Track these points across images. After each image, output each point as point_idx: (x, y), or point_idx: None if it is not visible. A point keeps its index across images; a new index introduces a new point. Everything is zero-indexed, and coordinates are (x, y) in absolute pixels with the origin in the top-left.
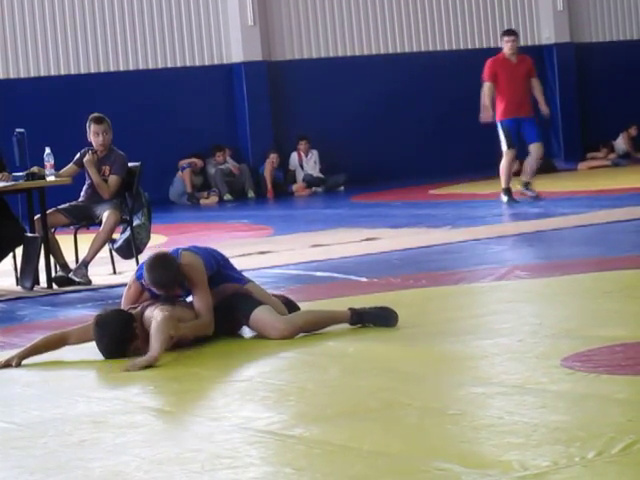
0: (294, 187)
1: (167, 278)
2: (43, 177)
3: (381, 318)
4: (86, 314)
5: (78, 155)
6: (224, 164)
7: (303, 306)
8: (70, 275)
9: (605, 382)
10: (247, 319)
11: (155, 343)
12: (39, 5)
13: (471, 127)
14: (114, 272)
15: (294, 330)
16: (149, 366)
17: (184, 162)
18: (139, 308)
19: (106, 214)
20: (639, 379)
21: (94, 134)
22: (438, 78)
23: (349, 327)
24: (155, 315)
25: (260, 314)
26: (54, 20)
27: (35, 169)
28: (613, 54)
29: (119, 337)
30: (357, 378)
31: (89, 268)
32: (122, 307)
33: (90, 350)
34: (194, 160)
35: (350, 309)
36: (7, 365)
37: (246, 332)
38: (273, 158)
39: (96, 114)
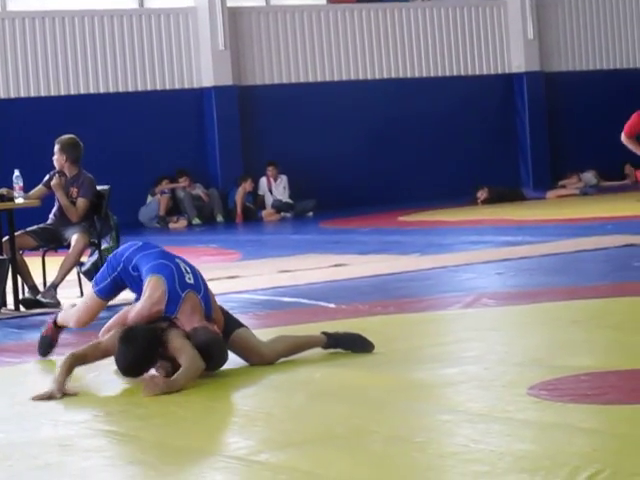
0: (263, 213)
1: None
2: (12, 199)
3: (357, 344)
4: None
5: (47, 177)
6: (194, 190)
7: (273, 331)
8: (39, 297)
9: (571, 411)
10: (227, 338)
11: (186, 373)
12: (10, 28)
13: (440, 154)
14: (82, 295)
15: (276, 356)
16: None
17: (164, 187)
18: (163, 326)
19: (75, 237)
20: (605, 408)
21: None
22: (408, 105)
23: (317, 352)
24: (188, 351)
25: (242, 337)
26: (25, 42)
27: (4, 191)
28: (583, 83)
29: (145, 356)
30: (324, 404)
31: (57, 290)
32: (109, 329)
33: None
34: (177, 184)
35: (324, 333)
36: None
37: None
38: (247, 184)
39: (62, 136)
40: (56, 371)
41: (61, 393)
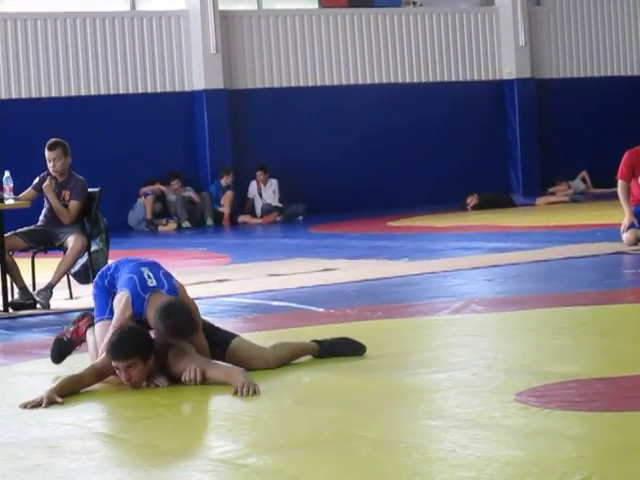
0: (241, 218)
1: (189, 325)
2: (2, 200)
3: (349, 348)
4: (42, 338)
5: (37, 179)
6: (185, 192)
7: (262, 335)
8: (34, 294)
9: (558, 418)
10: (224, 351)
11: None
12: (1, 29)
13: (430, 160)
14: (70, 297)
15: (280, 361)
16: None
17: (147, 189)
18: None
19: (73, 238)
20: (592, 415)
21: (48, 160)
22: (398, 110)
23: (306, 356)
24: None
25: (242, 345)
26: (17, 44)
27: None
28: (573, 90)
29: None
30: (311, 408)
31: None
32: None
33: (43, 376)
34: (158, 187)
35: (316, 341)
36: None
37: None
38: (228, 177)
39: (51, 140)
40: (52, 385)
41: (49, 402)
